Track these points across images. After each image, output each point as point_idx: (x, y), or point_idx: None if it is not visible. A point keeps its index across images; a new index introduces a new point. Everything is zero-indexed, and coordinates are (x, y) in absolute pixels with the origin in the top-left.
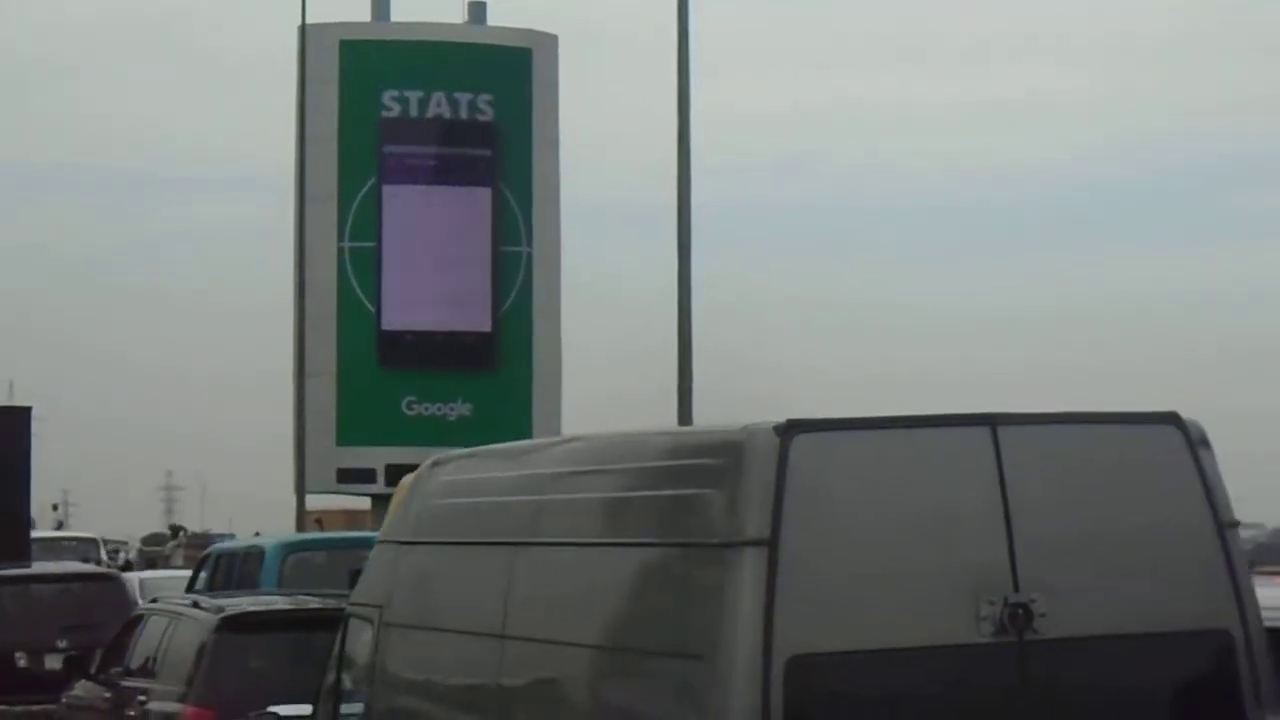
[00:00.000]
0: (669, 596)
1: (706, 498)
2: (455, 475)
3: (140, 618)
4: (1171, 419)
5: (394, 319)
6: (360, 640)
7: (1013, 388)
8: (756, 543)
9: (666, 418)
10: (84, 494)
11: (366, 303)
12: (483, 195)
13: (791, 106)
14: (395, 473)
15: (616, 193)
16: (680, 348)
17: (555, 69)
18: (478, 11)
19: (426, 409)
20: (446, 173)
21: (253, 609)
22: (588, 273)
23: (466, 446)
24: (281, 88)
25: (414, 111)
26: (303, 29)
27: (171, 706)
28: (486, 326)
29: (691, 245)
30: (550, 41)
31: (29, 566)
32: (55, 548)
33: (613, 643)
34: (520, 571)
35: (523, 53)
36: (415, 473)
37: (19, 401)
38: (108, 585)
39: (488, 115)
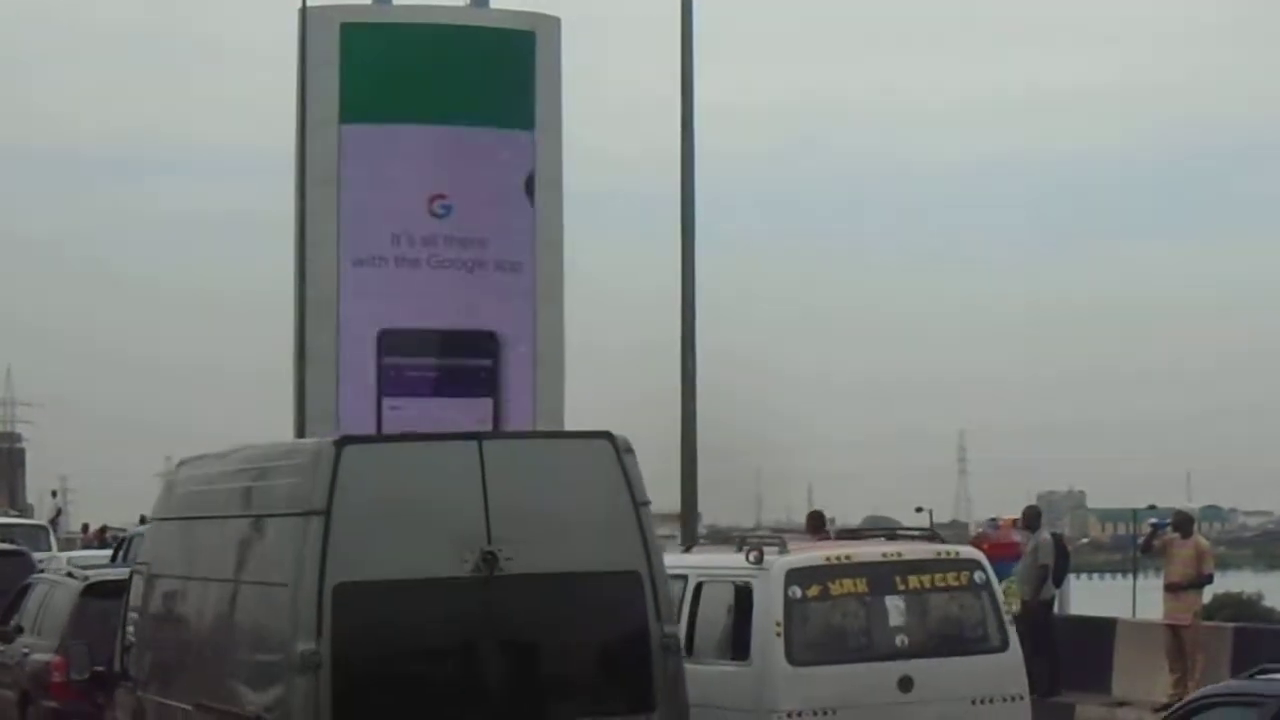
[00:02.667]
0: (275, 547)
1: (294, 484)
2: (190, 471)
3: (29, 585)
4: (605, 435)
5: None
6: (136, 591)
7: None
8: (318, 512)
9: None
10: (84, 481)
11: None
12: None
13: (792, 95)
14: None
15: (618, 178)
16: (684, 335)
17: (558, 53)
18: None
19: None
20: None
21: (113, 577)
22: (589, 258)
23: None
24: (281, 72)
25: None
26: (303, 12)
27: (46, 657)
28: None
29: (695, 232)
30: (553, 25)
31: None
32: (7, 534)
33: (249, 578)
34: (208, 536)
35: (525, 36)
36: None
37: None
38: (18, 560)
39: None
